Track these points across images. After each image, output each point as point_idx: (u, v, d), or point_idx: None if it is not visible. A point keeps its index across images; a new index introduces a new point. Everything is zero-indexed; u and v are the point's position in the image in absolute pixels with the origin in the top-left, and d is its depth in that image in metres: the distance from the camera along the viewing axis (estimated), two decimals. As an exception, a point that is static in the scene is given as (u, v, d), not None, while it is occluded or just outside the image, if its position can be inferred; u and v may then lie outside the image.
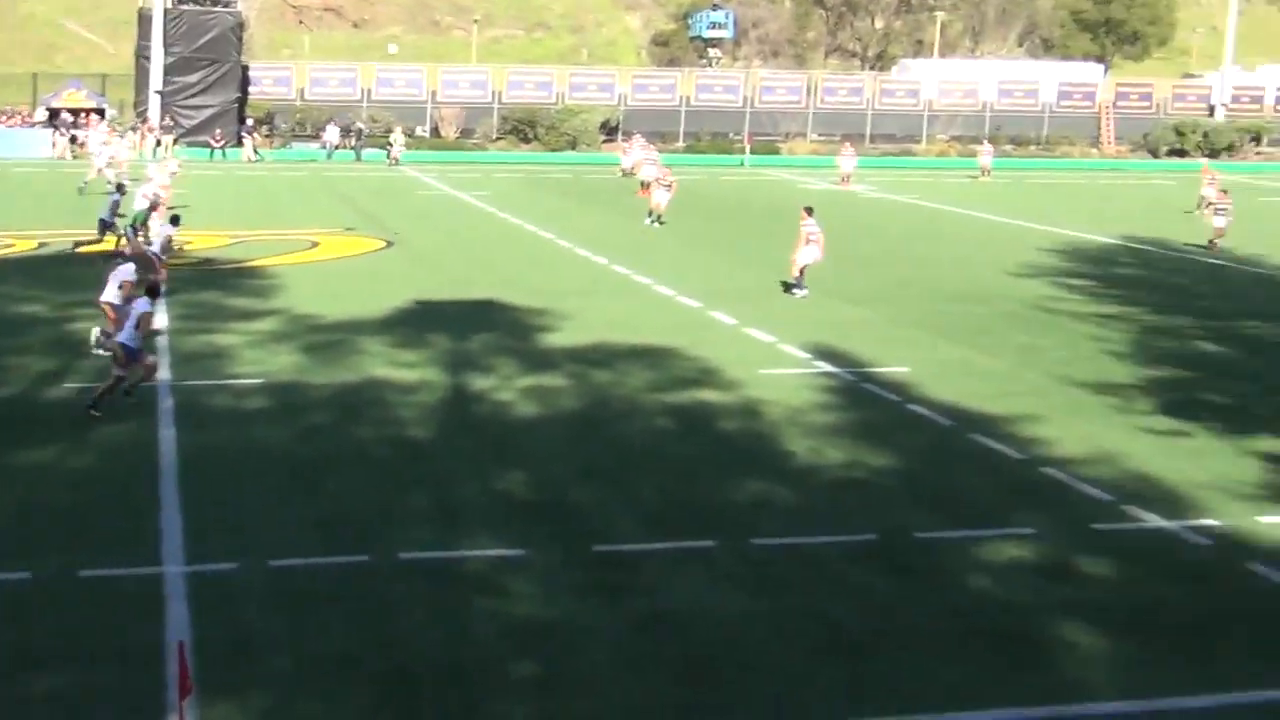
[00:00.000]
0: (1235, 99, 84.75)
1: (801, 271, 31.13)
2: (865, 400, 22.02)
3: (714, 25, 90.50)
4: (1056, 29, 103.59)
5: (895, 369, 24.03)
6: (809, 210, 31.96)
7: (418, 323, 27.36)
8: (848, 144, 68.17)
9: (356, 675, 11.88)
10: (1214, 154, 79.83)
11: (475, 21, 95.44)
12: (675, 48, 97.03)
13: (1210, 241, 42.01)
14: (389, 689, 11.67)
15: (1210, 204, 43.64)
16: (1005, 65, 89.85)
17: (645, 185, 52.19)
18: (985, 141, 73.84)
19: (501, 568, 14.34)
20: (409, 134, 72.15)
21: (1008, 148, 76.83)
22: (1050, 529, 15.93)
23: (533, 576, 14.11)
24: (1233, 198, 43.80)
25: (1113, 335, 27.92)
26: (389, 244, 39.49)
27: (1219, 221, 41.92)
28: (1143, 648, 12.83)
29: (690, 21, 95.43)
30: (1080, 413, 21.46)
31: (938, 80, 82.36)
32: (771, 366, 24.08)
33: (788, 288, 31.41)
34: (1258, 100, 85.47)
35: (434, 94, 77.40)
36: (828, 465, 18.37)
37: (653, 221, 43.89)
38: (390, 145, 69.21)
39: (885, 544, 15.37)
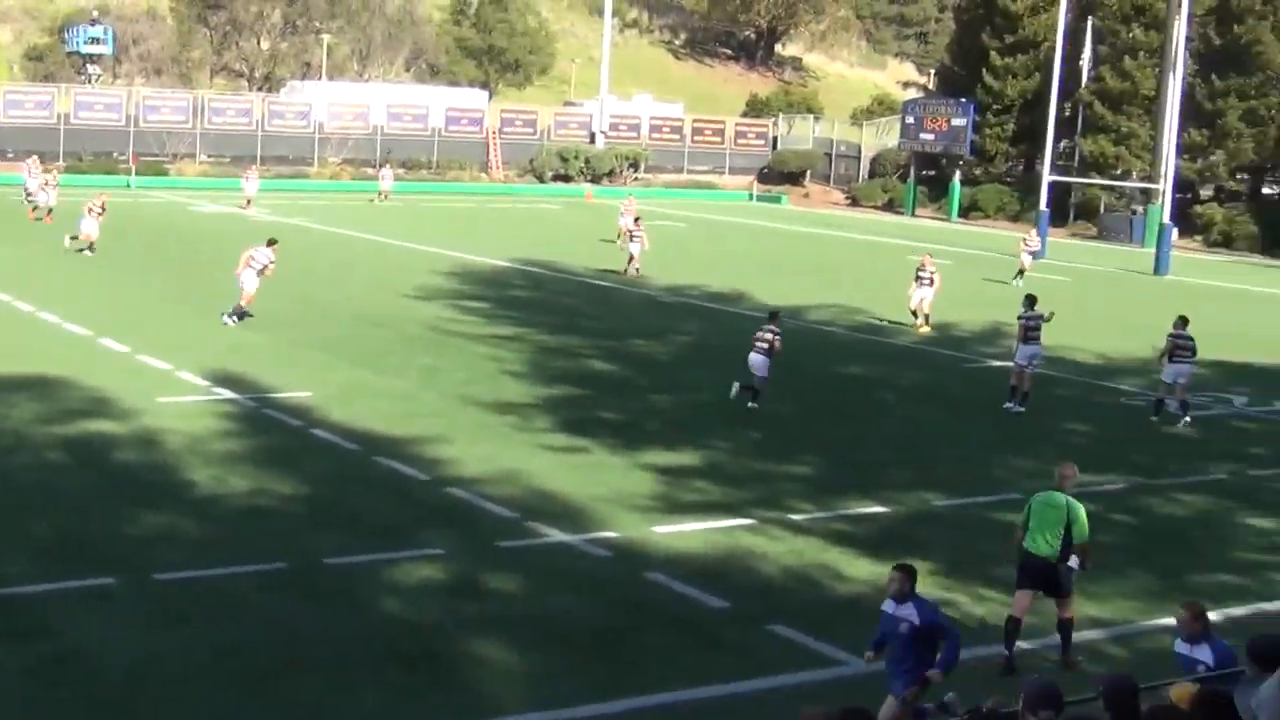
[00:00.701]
0: (614, 126, 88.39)
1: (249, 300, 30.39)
2: (268, 426, 21.69)
3: (92, 40, 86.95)
4: (442, 55, 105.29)
5: (297, 393, 23.80)
6: (271, 241, 31.35)
7: None
8: (253, 168, 67.14)
9: None
10: (596, 179, 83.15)
11: None
12: (51, 63, 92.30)
13: (625, 268, 43.70)
14: None
15: (628, 232, 45.48)
16: (394, 89, 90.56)
17: (50, 211, 49.26)
18: (386, 165, 74.28)
19: (-121, 619, 13.28)
20: None
21: (400, 171, 77.44)
22: (458, 548, 16.17)
23: (-85, 627, 13.13)
24: (645, 225, 45.55)
25: (510, 355, 28.62)
26: None
27: (634, 249, 43.73)
28: (553, 659, 13.21)
29: (66, 35, 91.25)
30: (482, 432, 21.90)
31: (328, 103, 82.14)
32: (169, 394, 23.34)
33: (242, 315, 30.24)
34: (634, 128, 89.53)
35: None
36: (232, 494, 17.98)
37: (80, 249, 41.06)
38: None
39: (295, 571, 15.19)
